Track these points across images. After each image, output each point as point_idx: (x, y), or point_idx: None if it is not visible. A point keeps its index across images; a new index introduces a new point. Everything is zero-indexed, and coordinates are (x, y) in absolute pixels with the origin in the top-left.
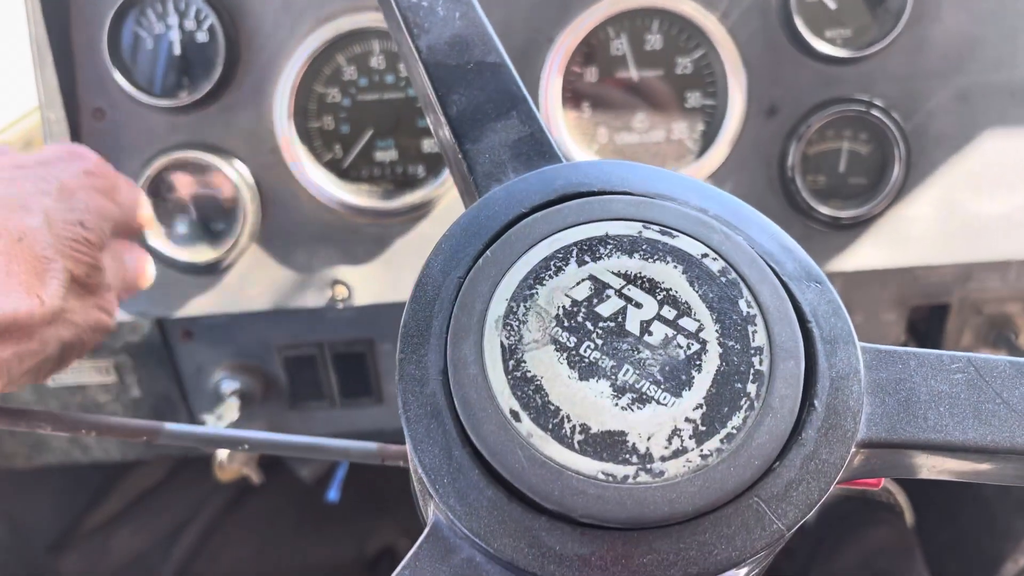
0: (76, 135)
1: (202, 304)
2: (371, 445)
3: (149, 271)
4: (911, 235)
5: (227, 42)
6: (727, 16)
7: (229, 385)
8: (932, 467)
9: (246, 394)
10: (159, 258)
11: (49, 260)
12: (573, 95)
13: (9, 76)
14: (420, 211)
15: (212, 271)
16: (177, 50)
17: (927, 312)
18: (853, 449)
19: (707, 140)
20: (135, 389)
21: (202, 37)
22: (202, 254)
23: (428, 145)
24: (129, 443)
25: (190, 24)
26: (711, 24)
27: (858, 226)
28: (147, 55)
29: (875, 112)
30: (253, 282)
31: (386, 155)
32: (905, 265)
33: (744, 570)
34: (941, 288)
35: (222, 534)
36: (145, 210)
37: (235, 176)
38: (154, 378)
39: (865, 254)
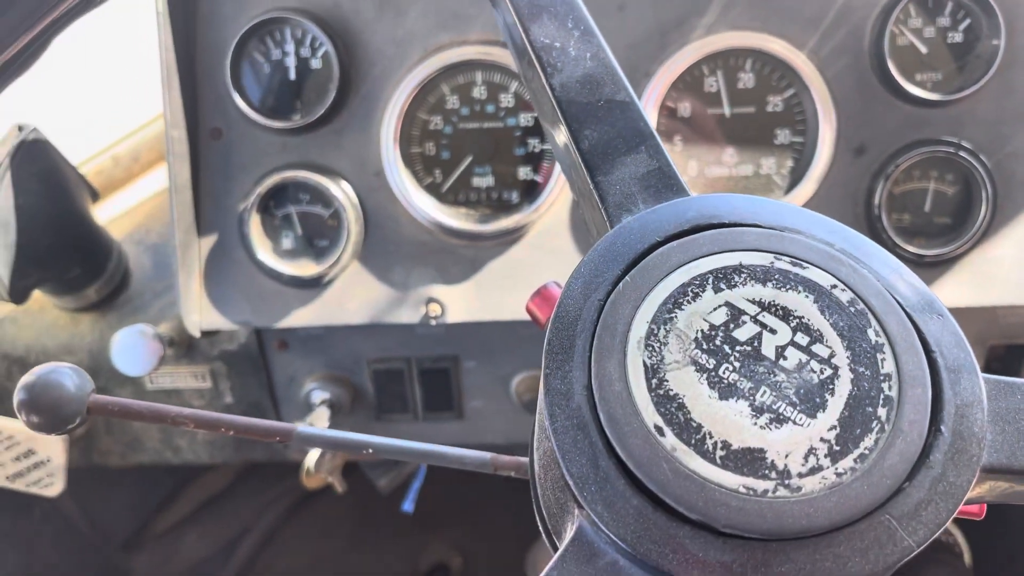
0: (195, 152)
1: (303, 316)
2: (485, 455)
3: None
4: (995, 275)
5: (340, 69)
6: (816, 53)
7: (319, 395)
8: None
9: (335, 404)
10: (265, 271)
11: None
12: (667, 128)
13: (127, 96)
14: (513, 235)
15: (314, 285)
16: (292, 75)
17: (1003, 351)
18: (978, 474)
19: (795, 176)
20: (228, 396)
21: (316, 64)
22: (306, 268)
23: (524, 172)
24: (217, 446)
25: (305, 51)
26: (802, 63)
27: (942, 264)
28: (264, 79)
29: (963, 154)
30: (352, 297)
31: (483, 181)
32: (987, 304)
33: None
34: (1021, 329)
35: (280, 543)
36: None
37: (341, 196)
38: (247, 386)
39: (948, 292)
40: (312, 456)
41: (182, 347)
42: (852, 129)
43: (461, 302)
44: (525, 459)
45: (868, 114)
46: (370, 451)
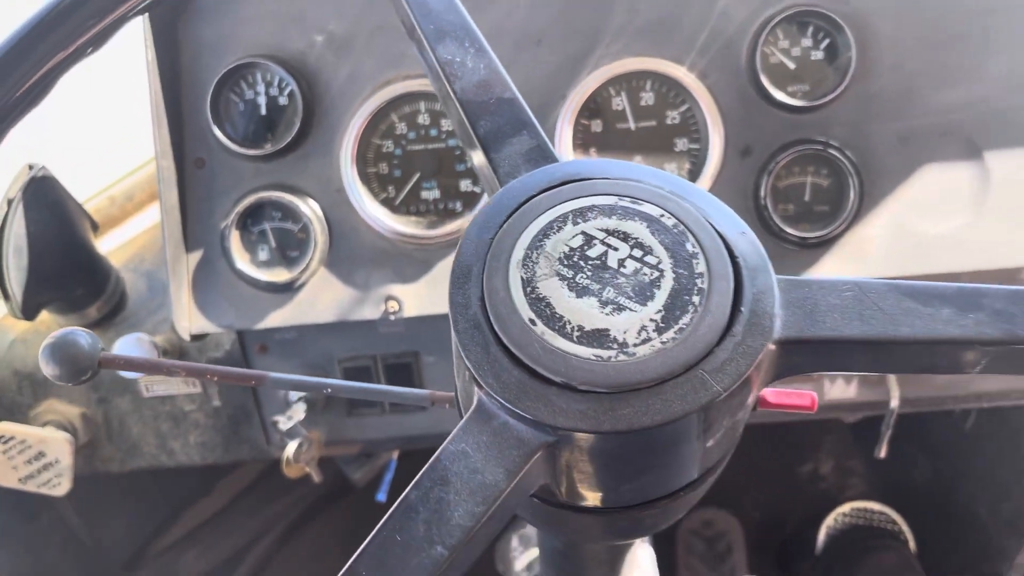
0: (182, 179)
1: (279, 317)
2: (423, 392)
3: None
4: (867, 252)
5: (304, 104)
6: (706, 76)
7: (297, 393)
8: (832, 362)
9: (310, 400)
10: (244, 279)
11: None
12: (583, 142)
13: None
14: (458, 238)
15: (287, 289)
16: (263, 111)
17: None
18: (771, 345)
19: (693, 176)
20: (216, 399)
21: (283, 100)
22: (280, 275)
23: (464, 185)
24: (208, 447)
25: (274, 91)
26: (692, 82)
27: (823, 245)
28: (240, 115)
29: (831, 150)
30: (321, 298)
31: (430, 194)
32: (862, 276)
33: (710, 439)
34: None
35: (277, 564)
36: None
37: (308, 212)
38: (232, 390)
39: (830, 268)
40: (291, 447)
41: (173, 355)
42: (737, 135)
43: (416, 299)
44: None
45: (750, 121)
46: (328, 390)
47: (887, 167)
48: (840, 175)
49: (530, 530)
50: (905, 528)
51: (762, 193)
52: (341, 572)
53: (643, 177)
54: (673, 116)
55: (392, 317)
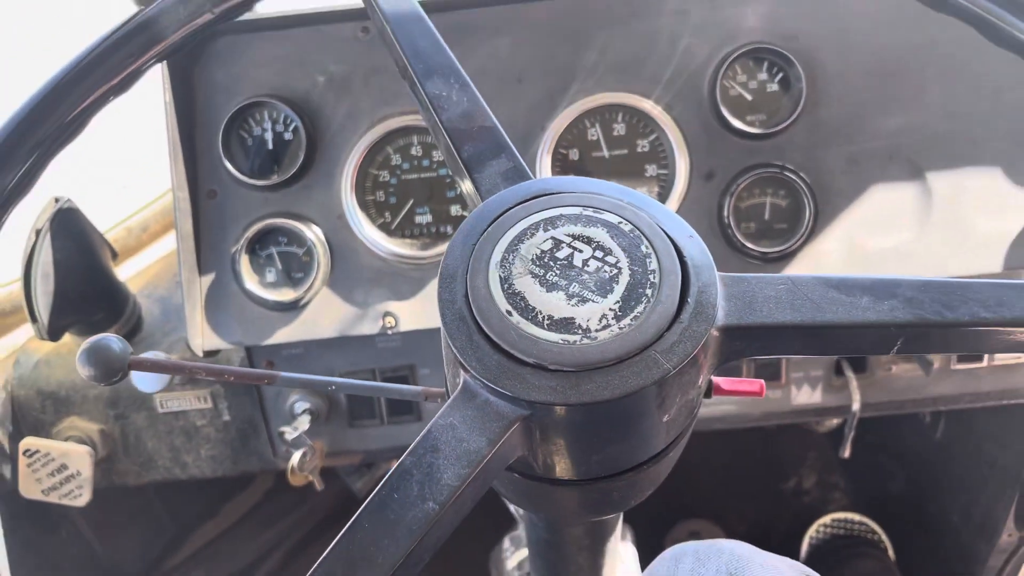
0: (196, 208)
1: (285, 333)
2: (417, 388)
3: None
4: (823, 265)
5: (307, 139)
6: (671, 108)
7: (301, 405)
8: (769, 346)
9: (314, 412)
10: (253, 299)
11: None
12: (561, 169)
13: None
14: None
15: (293, 308)
16: (270, 145)
17: None
18: (715, 331)
19: (662, 199)
20: (226, 414)
21: (288, 136)
22: (285, 295)
23: (454, 210)
24: (219, 460)
25: (280, 127)
26: (659, 114)
27: (783, 259)
28: (248, 149)
29: (787, 173)
30: (324, 316)
31: (423, 218)
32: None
33: (666, 414)
34: None
35: None
36: None
37: (312, 236)
38: (241, 403)
39: None
40: (296, 456)
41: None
42: (701, 160)
43: (411, 314)
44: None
45: (712, 148)
46: (332, 388)
47: (838, 187)
48: (796, 195)
49: (520, 531)
50: (884, 537)
51: (725, 213)
52: (347, 525)
53: (604, 191)
54: (643, 144)
55: (389, 332)
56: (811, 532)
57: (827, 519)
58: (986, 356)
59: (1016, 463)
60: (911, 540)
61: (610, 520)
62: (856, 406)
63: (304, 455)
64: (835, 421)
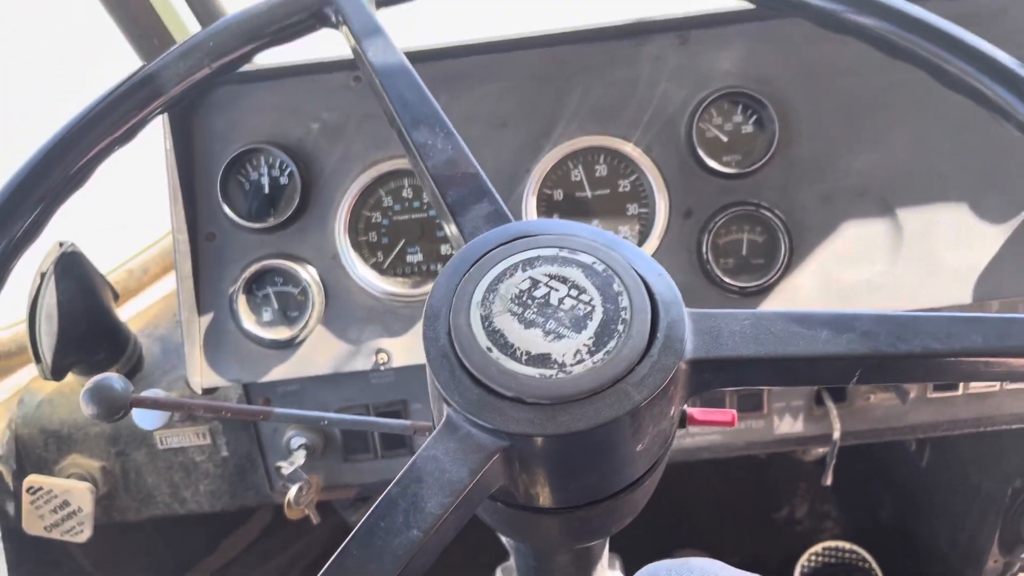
0: (195, 250)
1: (281, 370)
2: (406, 422)
3: None
4: (798, 298)
5: (302, 183)
6: (651, 149)
7: (297, 441)
8: (735, 378)
9: (309, 447)
10: (250, 338)
11: None
12: (546, 209)
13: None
14: None
15: (288, 346)
16: (267, 189)
17: None
18: (683, 364)
19: (643, 236)
20: (224, 449)
21: (284, 180)
22: (282, 333)
23: (444, 249)
24: (217, 495)
25: (275, 172)
26: (639, 155)
27: (760, 293)
28: (245, 193)
29: (763, 210)
30: (318, 353)
31: (414, 258)
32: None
33: (640, 444)
34: None
35: None
36: None
37: (307, 276)
38: (239, 439)
39: None
40: (292, 491)
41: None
42: (680, 199)
43: (403, 350)
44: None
45: (691, 187)
46: (326, 423)
47: (812, 224)
48: (772, 232)
49: (512, 562)
50: (874, 565)
51: (704, 249)
52: (337, 551)
53: (580, 232)
54: (624, 185)
55: (382, 367)
56: (803, 561)
57: (818, 548)
58: (961, 385)
59: (998, 489)
60: (901, 567)
61: (595, 547)
62: (836, 435)
63: (300, 489)
64: (823, 450)
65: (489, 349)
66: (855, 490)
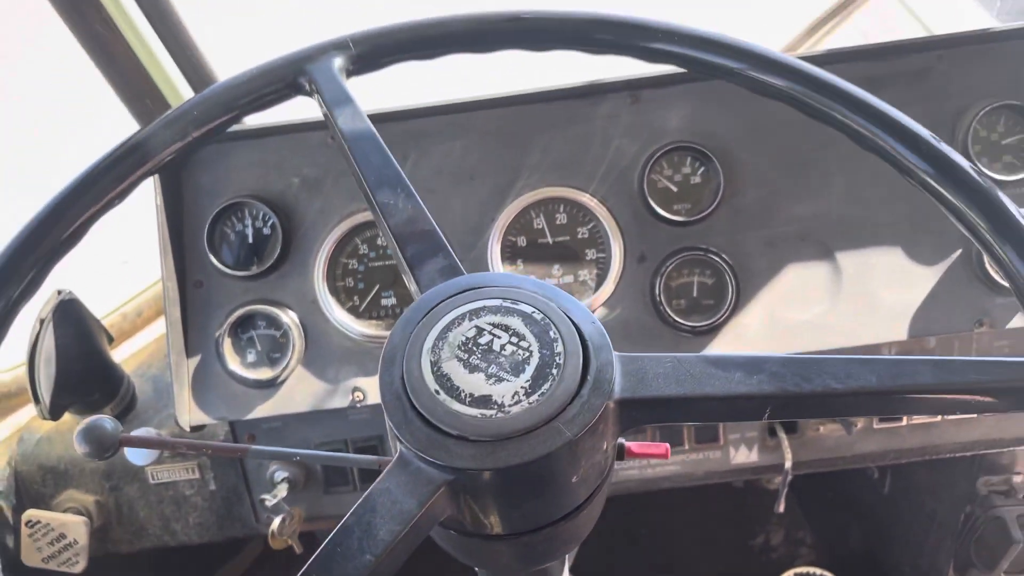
0: (183, 297)
1: (265, 408)
2: (372, 458)
3: None
4: (746, 337)
5: (283, 234)
6: (606, 199)
7: (280, 475)
8: (660, 415)
9: (291, 480)
10: (235, 378)
11: None
12: (510, 255)
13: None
14: None
15: (271, 385)
16: (250, 240)
17: None
18: (611, 403)
19: (600, 280)
20: (212, 483)
21: (267, 231)
22: (264, 374)
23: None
24: (205, 527)
25: (259, 223)
26: (596, 205)
27: (710, 332)
28: (231, 243)
29: (711, 255)
30: (299, 392)
31: (388, 301)
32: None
33: (575, 476)
34: None
35: None
36: None
37: (288, 320)
38: (226, 474)
39: (716, 350)
40: (276, 522)
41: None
42: (634, 245)
43: (378, 389)
44: None
45: (644, 234)
46: (297, 458)
47: (757, 267)
48: (720, 275)
49: None
50: None
51: (657, 291)
52: (298, 574)
53: (522, 284)
54: (583, 232)
55: (359, 405)
56: None
57: (790, 574)
58: (904, 416)
59: (951, 514)
60: None
61: (552, 570)
62: (788, 464)
63: (283, 520)
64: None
65: (437, 392)
66: (826, 517)
